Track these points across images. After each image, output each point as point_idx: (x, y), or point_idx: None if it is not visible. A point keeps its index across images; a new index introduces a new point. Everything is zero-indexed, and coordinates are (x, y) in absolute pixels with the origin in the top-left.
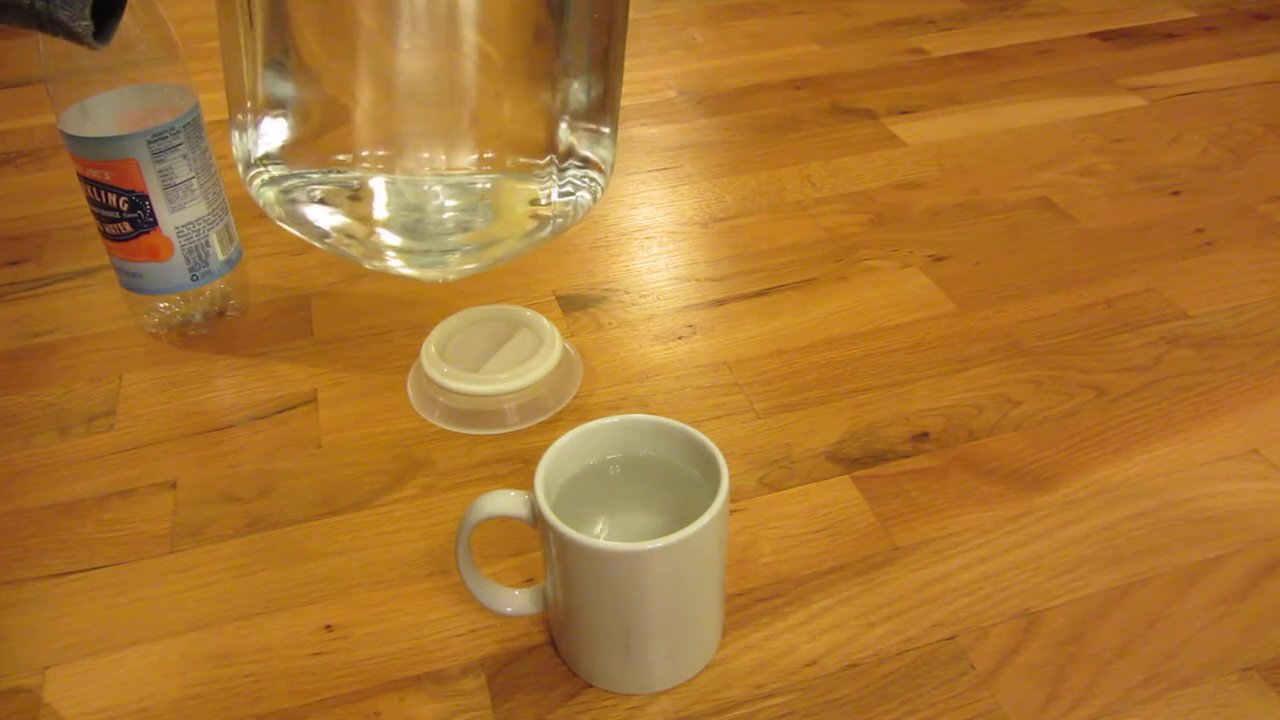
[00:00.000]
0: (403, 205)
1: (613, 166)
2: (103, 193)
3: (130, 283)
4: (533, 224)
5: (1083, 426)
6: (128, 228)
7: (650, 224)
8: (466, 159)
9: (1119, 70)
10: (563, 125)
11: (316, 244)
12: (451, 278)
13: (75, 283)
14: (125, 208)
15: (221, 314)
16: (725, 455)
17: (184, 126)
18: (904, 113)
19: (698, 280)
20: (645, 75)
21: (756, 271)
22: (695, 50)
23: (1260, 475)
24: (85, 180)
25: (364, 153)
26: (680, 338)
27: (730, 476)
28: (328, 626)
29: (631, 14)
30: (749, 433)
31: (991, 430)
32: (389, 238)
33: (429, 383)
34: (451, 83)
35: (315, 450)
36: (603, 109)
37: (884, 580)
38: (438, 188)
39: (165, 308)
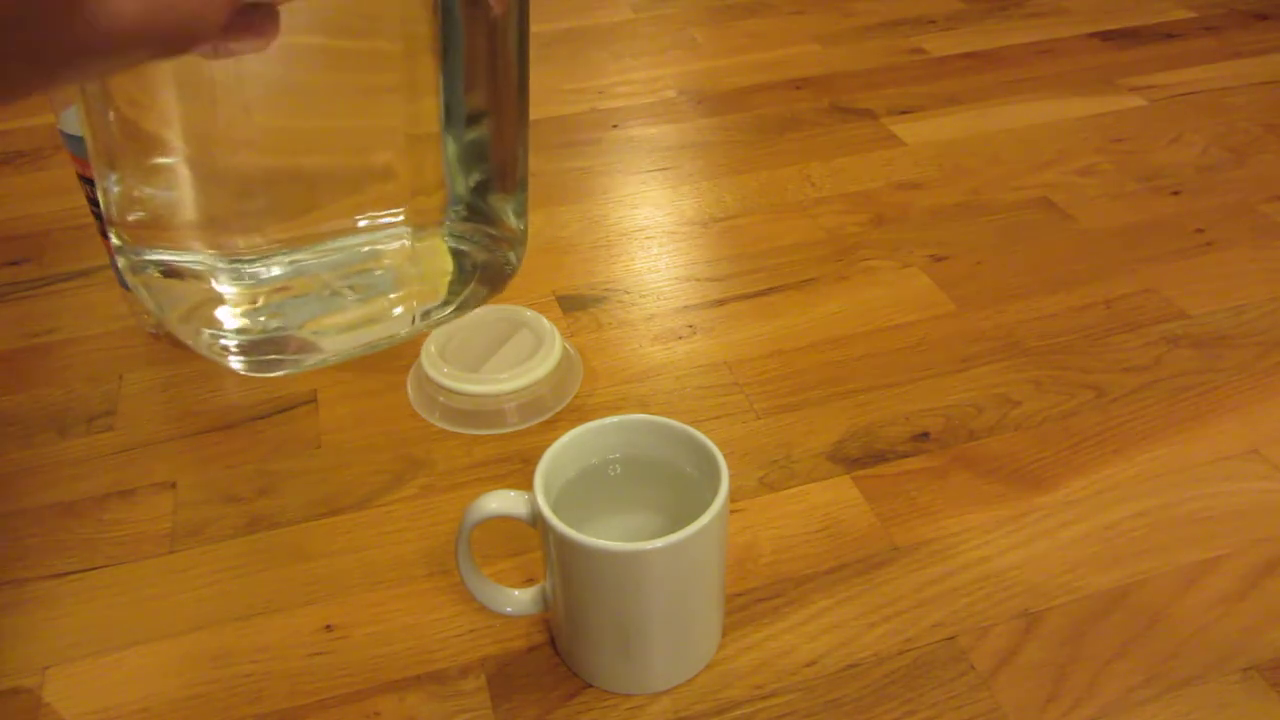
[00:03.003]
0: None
1: (525, 237)
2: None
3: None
4: (445, 292)
5: (1083, 426)
6: None
7: (650, 224)
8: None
9: (1119, 70)
10: (460, 182)
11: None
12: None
13: (75, 283)
14: None
15: None
16: (725, 455)
17: None
18: (904, 113)
19: (698, 280)
20: (645, 75)
21: (756, 271)
22: (695, 50)
23: (1260, 475)
24: (85, 180)
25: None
26: (680, 338)
27: (730, 476)
28: (328, 626)
29: (631, 14)
30: (749, 433)
31: (991, 430)
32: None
33: (429, 383)
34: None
35: (315, 450)
36: (502, 154)
37: (884, 580)
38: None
39: None
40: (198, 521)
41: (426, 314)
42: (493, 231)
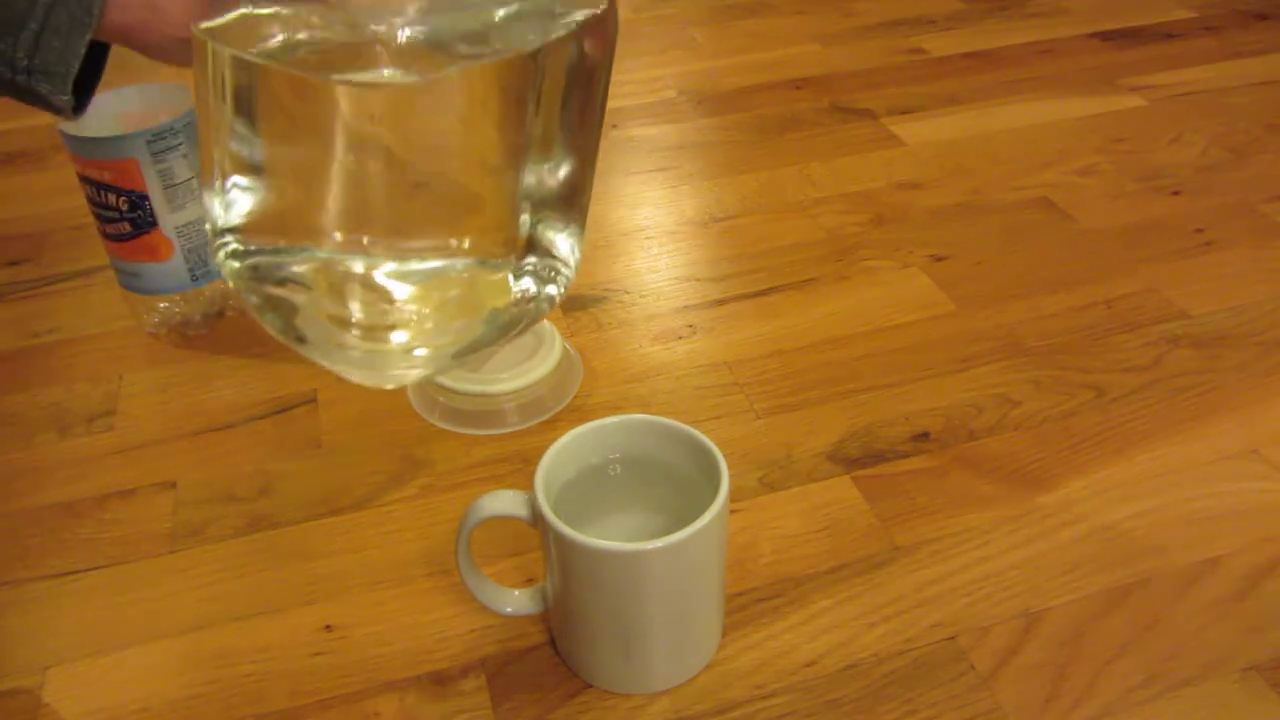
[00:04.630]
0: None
1: (579, 258)
2: (103, 193)
3: (130, 283)
4: (497, 321)
5: (1083, 426)
6: (128, 228)
7: (650, 224)
8: (427, 247)
9: (1119, 70)
10: (525, 217)
11: (272, 329)
12: (399, 384)
13: (75, 283)
14: (125, 208)
15: (221, 314)
16: (725, 455)
17: (184, 126)
18: (904, 113)
19: (698, 280)
20: (645, 75)
21: (756, 271)
22: (695, 50)
23: (1260, 475)
24: (85, 180)
25: (316, 237)
26: (680, 338)
27: (730, 476)
28: (328, 626)
29: (631, 14)
30: (749, 433)
31: (991, 430)
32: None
33: (429, 382)
34: (414, 173)
35: (315, 450)
36: (573, 200)
37: (884, 580)
38: (396, 280)
39: (165, 308)
40: (198, 521)
41: (463, 351)
42: (554, 264)
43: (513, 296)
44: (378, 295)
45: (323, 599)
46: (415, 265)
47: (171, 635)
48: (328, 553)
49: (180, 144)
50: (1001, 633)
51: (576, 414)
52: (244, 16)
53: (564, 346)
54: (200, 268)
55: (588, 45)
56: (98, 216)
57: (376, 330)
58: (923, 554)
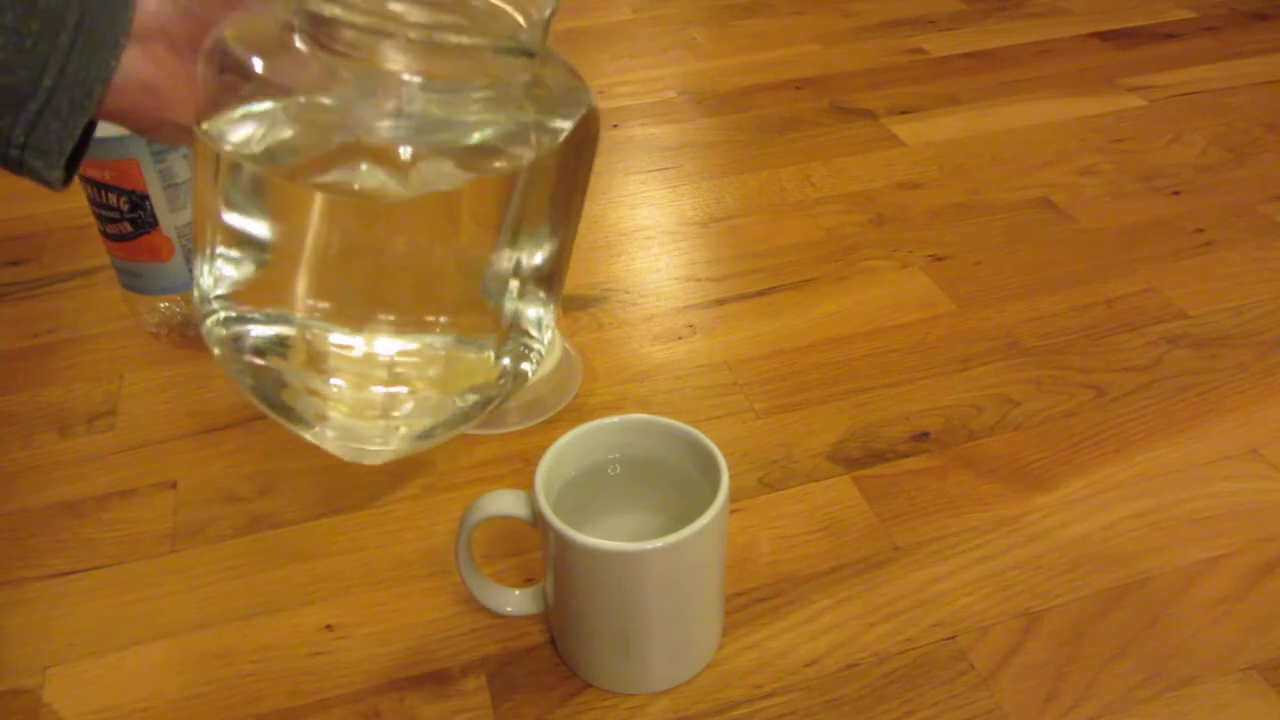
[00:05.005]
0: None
1: (551, 333)
2: (103, 193)
3: (130, 283)
4: (473, 399)
5: (1083, 426)
6: (128, 228)
7: (650, 224)
8: (409, 327)
9: (1119, 70)
10: (509, 299)
11: (251, 395)
12: (378, 460)
13: (75, 283)
14: (126, 208)
15: None
16: (725, 455)
17: None
18: (904, 113)
19: (698, 280)
20: (645, 75)
21: (756, 271)
22: (695, 50)
23: (1260, 475)
24: (85, 180)
25: (299, 310)
26: (680, 338)
27: (730, 476)
28: (328, 626)
29: (631, 14)
30: (749, 433)
31: (991, 430)
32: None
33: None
34: (398, 260)
35: (315, 450)
36: (553, 280)
37: (884, 580)
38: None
39: (165, 308)
40: (198, 521)
41: (429, 433)
42: (529, 341)
43: (493, 376)
44: (358, 370)
45: (323, 599)
46: (396, 343)
47: (171, 635)
48: (328, 553)
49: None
50: (1001, 633)
51: (576, 414)
52: (244, 115)
53: (564, 346)
54: None
55: (574, 148)
56: (98, 216)
57: (355, 406)
58: (923, 554)
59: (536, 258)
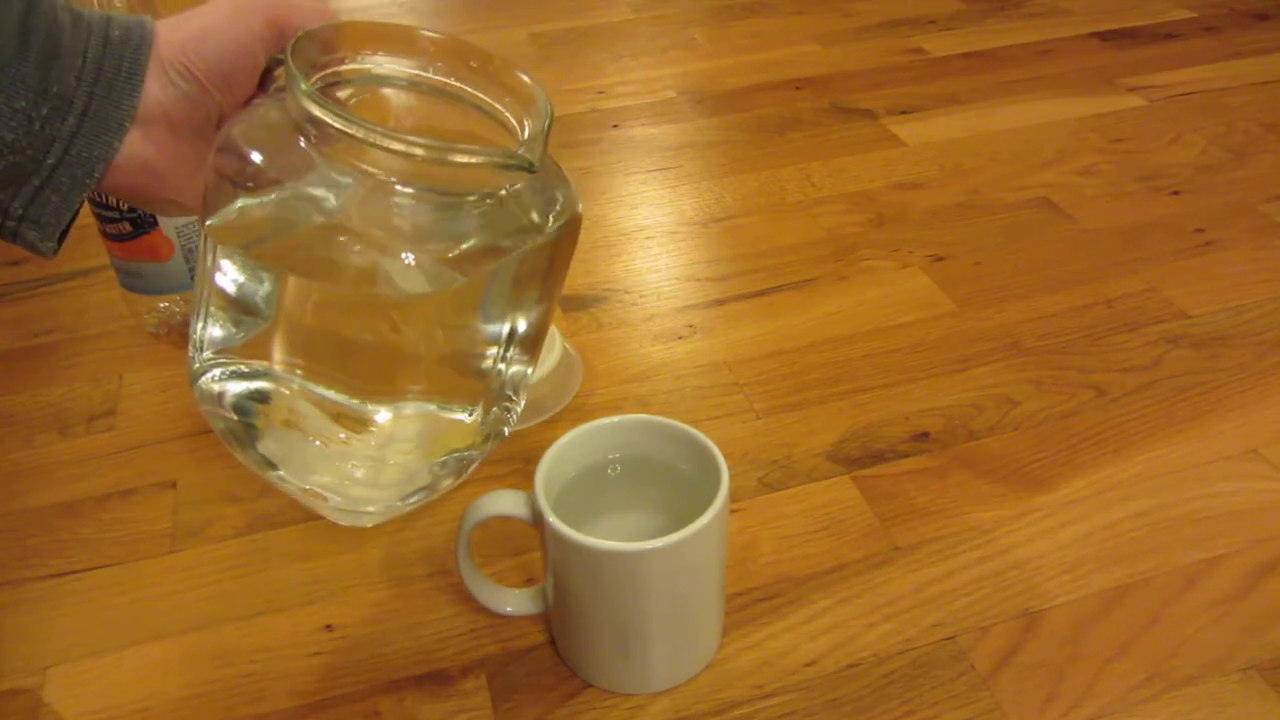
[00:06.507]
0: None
1: (527, 392)
2: (103, 193)
3: (130, 283)
4: (453, 462)
5: (1083, 426)
6: (128, 227)
7: (650, 224)
8: (394, 394)
9: (1119, 70)
10: (496, 371)
11: (239, 454)
12: (370, 523)
13: (75, 283)
14: (125, 208)
15: None
16: (725, 455)
17: None
18: (904, 113)
19: (698, 280)
20: (645, 75)
21: (756, 271)
22: (695, 50)
23: (1260, 475)
24: None
25: (288, 375)
26: (680, 338)
27: (730, 476)
28: (328, 626)
29: (631, 14)
30: (749, 433)
31: (991, 430)
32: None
33: None
34: (387, 347)
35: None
36: (535, 344)
37: (884, 580)
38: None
39: (165, 308)
40: (198, 521)
41: (409, 496)
42: (509, 404)
43: (475, 440)
44: (344, 432)
45: (323, 599)
46: (384, 413)
47: (171, 635)
48: (328, 553)
49: None
50: (1001, 633)
51: (576, 414)
52: (242, 209)
53: (564, 346)
54: None
55: (559, 244)
56: (98, 216)
57: (338, 472)
58: (923, 554)
59: (521, 329)
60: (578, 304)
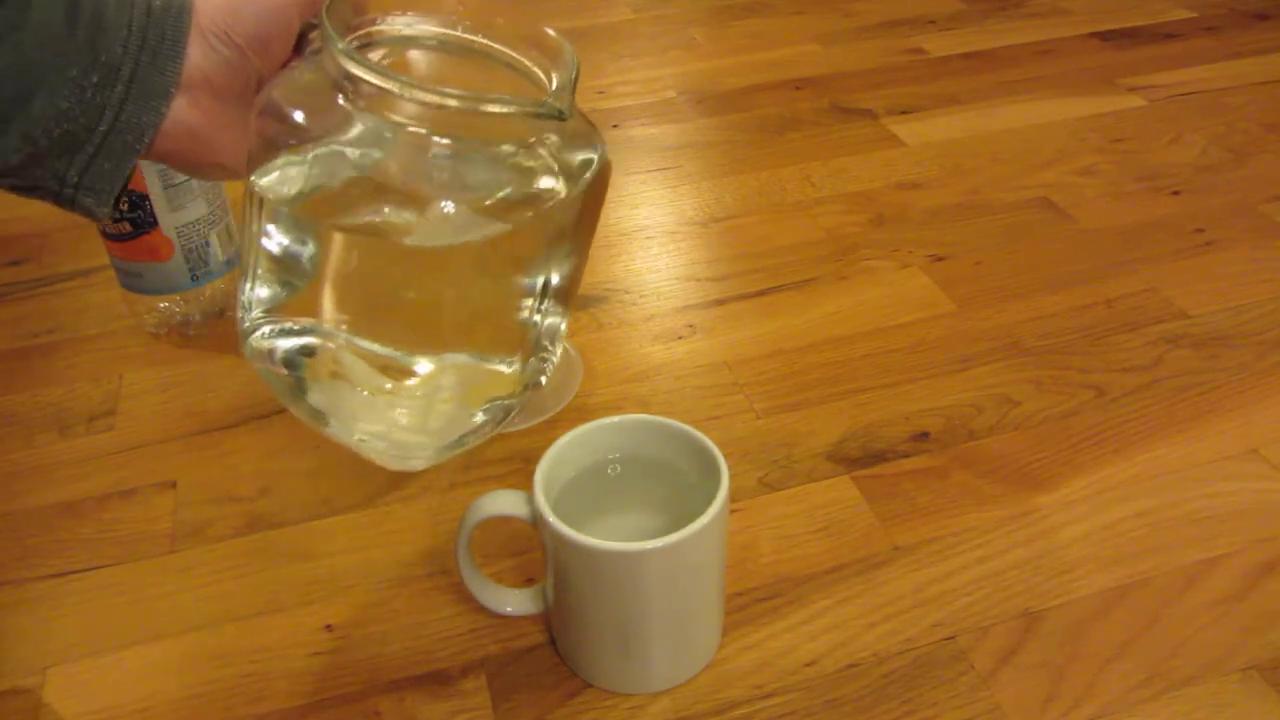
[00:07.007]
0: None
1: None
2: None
3: (130, 283)
4: (495, 410)
5: (1083, 426)
6: (128, 228)
7: (650, 224)
8: (439, 346)
9: (1119, 70)
10: (535, 321)
11: (290, 406)
12: (418, 467)
13: (75, 283)
14: (125, 208)
15: (221, 314)
16: (725, 455)
17: None
18: (904, 113)
19: (698, 280)
20: (645, 75)
21: (756, 271)
22: (695, 50)
23: (1260, 475)
24: None
25: (336, 329)
26: (680, 338)
27: (730, 476)
28: (328, 626)
29: (631, 14)
30: (749, 433)
31: (991, 430)
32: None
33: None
34: (429, 300)
35: (315, 450)
36: (571, 293)
37: (884, 580)
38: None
39: (165, 308)
40: (198, 521)
41: (461, 439)
42: (546, 354)
43: (515, 388)
44: (389, 382)
45: (323, 599)
46: (424, 358)
47: (171, 635)
48: (328, 553)
49: None
50: (1001, 633)
51: (576, 414)
52: (285, 168)
53: (564, 346)
54: (200, 268)
55: (591, 192)
56: None
57: (387, 420)
58: (923, 554)
59: (556, 280)
60: (578, 304)
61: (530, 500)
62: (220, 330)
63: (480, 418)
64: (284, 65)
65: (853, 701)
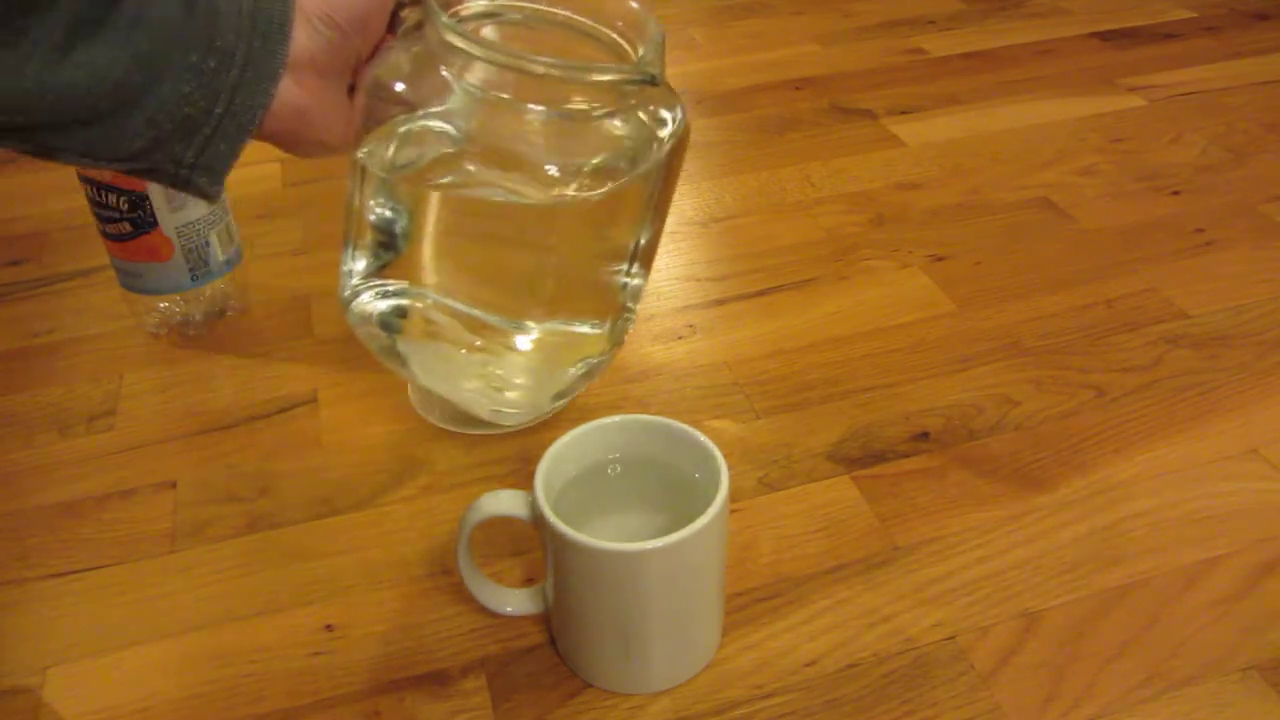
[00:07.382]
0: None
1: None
2: (103, 193)
3: (130, 283)
4: (586, 368)
5: (1083, 426)
6: (128, 228)
7: None
8: (540, 312)
9: (1119, 70)
10: (625, 283)
11: (390, 364)
12: (517, 421)
13: (75, 283)
14: (125, 208)
15: (221, 314)
16: (725, 455)
17: None
18: (904, 113)
19: (698, 280)
20: None
21: (756, 271)
22: (695, 50)
23: (1260, 475)
24: (85, 180)
25: (441, 294)
26: (680, 338)
27: (730, 476)
28: (328, 626)
29: None
30: (749, 433)
31: (991, 430)
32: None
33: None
34: (532, 261)
35: (315, 450)
36: (651, 256)
37: (884, 580)
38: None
39: (165, 308)
40: (198, 521)
41: (561, 395)
42: (629, 314)
43: (604, 347)
44: (492, 343)
45: (323, 599)
46: (521, 321)
47: (171, 635)
48: (328, 553)
49: None
50: (1001, 633)
51: (576, 414)
52: (389, 140)
53: None
54: (200, 268)
55: (676, 153)
56: (98, 216)
57: (484, 373)
58: (923, 554)
59: (643, 241)
60: None
61: (530, 500)
62: (220, 330)
63: (573, 374)
64: (379, 43)
65: (853, 701)
